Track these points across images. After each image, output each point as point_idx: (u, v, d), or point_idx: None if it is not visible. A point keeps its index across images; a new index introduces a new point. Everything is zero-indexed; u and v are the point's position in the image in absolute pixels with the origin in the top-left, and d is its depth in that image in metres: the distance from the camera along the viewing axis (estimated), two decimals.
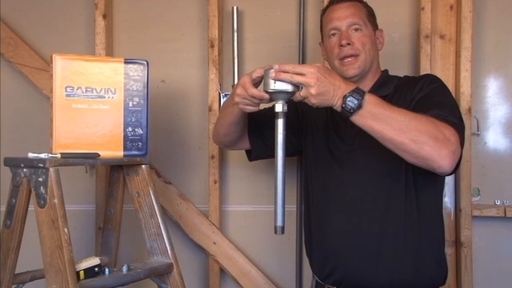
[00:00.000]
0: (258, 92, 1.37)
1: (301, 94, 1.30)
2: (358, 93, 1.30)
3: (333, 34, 1.58)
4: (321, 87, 1.28)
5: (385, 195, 1.50)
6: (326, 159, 1.60)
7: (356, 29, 1.55)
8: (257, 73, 1.38)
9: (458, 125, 1.38)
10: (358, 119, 1.31)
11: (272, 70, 1.31)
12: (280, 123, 1.35)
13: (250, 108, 1.44)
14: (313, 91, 1.27)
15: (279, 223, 1.35)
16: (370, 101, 1.30)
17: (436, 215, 1.57)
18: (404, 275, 1.48)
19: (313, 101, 1.30)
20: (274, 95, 1.35)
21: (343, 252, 1.52)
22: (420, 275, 1.49)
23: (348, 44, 1.54)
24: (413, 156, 1.33)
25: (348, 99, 1.29)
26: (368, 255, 1.49)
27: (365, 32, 1.56)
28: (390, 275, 1.48)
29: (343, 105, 1.29)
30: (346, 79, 1.55)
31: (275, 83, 1.32)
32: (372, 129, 1.31)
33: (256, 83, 1.40)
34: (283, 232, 1.35)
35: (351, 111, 1.29)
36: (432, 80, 1.53)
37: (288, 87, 1.32)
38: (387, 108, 1.32)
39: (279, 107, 1.35)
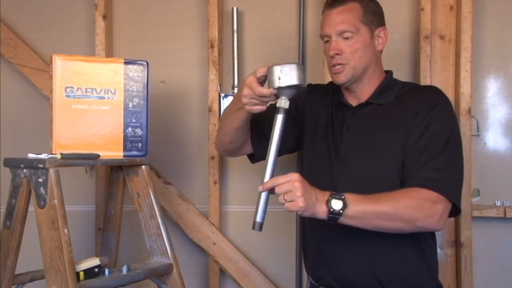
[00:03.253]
0: (267, 90, 1.36)
1: (288, 207, 1.30)
2: (337, 196, 1.33)
3: (326, 41, 1.55)
4: (305, 188, 1.30)
5: None
6: (322, 164, 1.59)
7: (346, 38, 1.50)
8: (261, 72, 1.38)
9: (449, 184, 1.42)
10: (346, 220, 1.34)
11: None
12: (279, 118, 1.35)
13: (259, 108, 1.43)
14: (299, 193, 1.29)
15: (259, 219, 1.32)
16: (351, 199, 1.33)
17: None
18: (395, 278, 1.48)
19: (301, 203, 1.29)
20: (280, 91, 1.35)
21: (335, 255, 1.53)
22: (411, 279, 1.49)
23: (337, 54, 1.51)
24: (408, 231, 1.43)
25: (332, 202, 1.32)
26: (360, 259, 1.50)
27: (356, 38, 1.50)
28: (382, 279, 1.48)
29: (329, 209, 1.32)
30: (339, 85, 1.57)
31: (279, 79, 1.32)
32: (364, 224, 1.37)
33: (260, 82, 1.39)
34: (260, 229, 1.32)
35: (340, 211, 1.32)
36: (437, 104, 1.49)
37: (294, 81, 1.31)
38: (369, 202, 1.36)
39: (281, 102, 1.35)
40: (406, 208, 1.38)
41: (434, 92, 1.55)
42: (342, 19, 1.51)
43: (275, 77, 1.32)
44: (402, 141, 1.46)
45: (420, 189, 1.39)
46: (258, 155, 1.72)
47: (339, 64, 1.52)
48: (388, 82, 1.58)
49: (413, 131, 1.46)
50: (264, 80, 1.39)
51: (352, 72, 1.52)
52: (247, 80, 1.41)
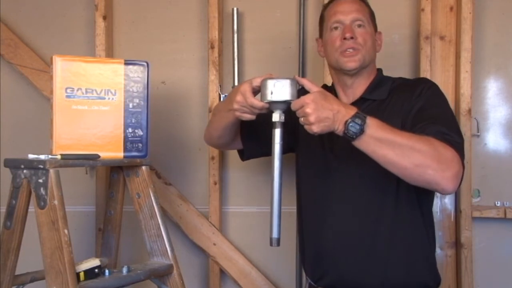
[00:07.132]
0: (258, 102, 1.37)
1: (301, 121, 1.31)
2: (360, 117, 1.29)
3: (336, 28, 1.56)
4: (319, 114, 1.28)
5: (377, 200, 1.50)
6: (317, 164, 1.59)
7: (359, 25, 1.54)
8: (258, 82, 1.38)
9: (459, 144, 1.38)
10: (360, 144, 1.31)
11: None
12: (277, 133, 1.36)
13: (248, 116, 1.43)
14: (312, 119, 1.28)
15: (275, 234, 1.34)
16: (372, 125, 1.30)
17: (427, 220, 1.56)
18: (395, 279, 1.49)
19: (315, 129, 1.29)
20: (272, 105, 1.35)
21: (334, 255, 1.53)
22: (411, 279, 1.50)
23: (351, 38, 1.52)
24: (416, 180, 1.34)
25: (350, 124, 1.28)
26: (359, 259, 1.50)
27: (367, 29, 1.56)
28: (381, 279, 1.48)
29: (345, 131, 1.29)
30: (346, 71, 1.56)
31: (272, 93, 1.33)
32: (375, 153, 1.32)
33: (255, 92, 1.40)
34: (278, 244, 1.34)
35: (353, 136, 1.29)
36: (430, 86, 1.53)
37: (286, 97, 1.32)
38: (389, 132, 1.31)
39: (276, 116, 1.35)
40: (424, 149, 1.30)
41: (425, 79, 1.65)
42: (357, 7, 1.56)
43: (268, 91, 1.33)
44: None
45: (438, 141, 1.32)
46: (247, 153, 1.73)
47: (352, 48, 1.53)
48: (380, 79, 1.62)
49: (410, 111, 1.46)
50: (259, 90, 1.39)
51: (363, 59, 1.54)
52: (242, 86, 1.41)
